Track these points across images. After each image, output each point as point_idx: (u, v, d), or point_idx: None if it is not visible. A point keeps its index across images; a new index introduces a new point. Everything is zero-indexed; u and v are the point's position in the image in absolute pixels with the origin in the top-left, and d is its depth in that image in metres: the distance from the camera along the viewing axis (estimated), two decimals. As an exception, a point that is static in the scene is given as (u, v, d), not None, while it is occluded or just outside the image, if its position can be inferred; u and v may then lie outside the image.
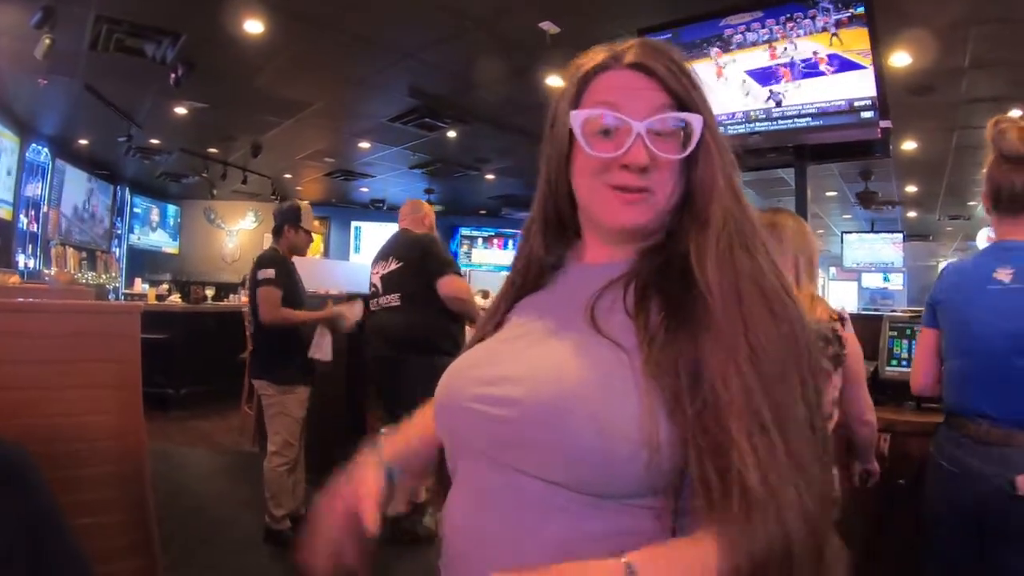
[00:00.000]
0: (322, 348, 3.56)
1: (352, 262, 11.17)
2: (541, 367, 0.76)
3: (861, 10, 3.32)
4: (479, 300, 4.28)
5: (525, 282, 0.93)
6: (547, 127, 0.89)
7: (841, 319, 2.00)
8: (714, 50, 3.82)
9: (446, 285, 3.36)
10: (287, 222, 3.58)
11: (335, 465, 0.94)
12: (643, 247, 0.85)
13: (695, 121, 0.78)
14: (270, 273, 3.39)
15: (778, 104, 3.61)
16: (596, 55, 0.84)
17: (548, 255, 0.93)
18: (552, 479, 0.71)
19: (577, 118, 0.81)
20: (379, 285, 3.57)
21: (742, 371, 0.68)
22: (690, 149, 0.79)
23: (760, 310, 0.73)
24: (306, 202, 3.82)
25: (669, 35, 3.98)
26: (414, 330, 3.41)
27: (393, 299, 3.49)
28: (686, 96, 0.79)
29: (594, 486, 0.70)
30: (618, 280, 0.82)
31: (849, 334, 1.99)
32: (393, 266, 3.53)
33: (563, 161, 0.86)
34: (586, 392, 0.71)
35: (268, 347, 3.50)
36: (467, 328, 3.54)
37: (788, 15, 3.55)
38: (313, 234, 3.75)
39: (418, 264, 3.44)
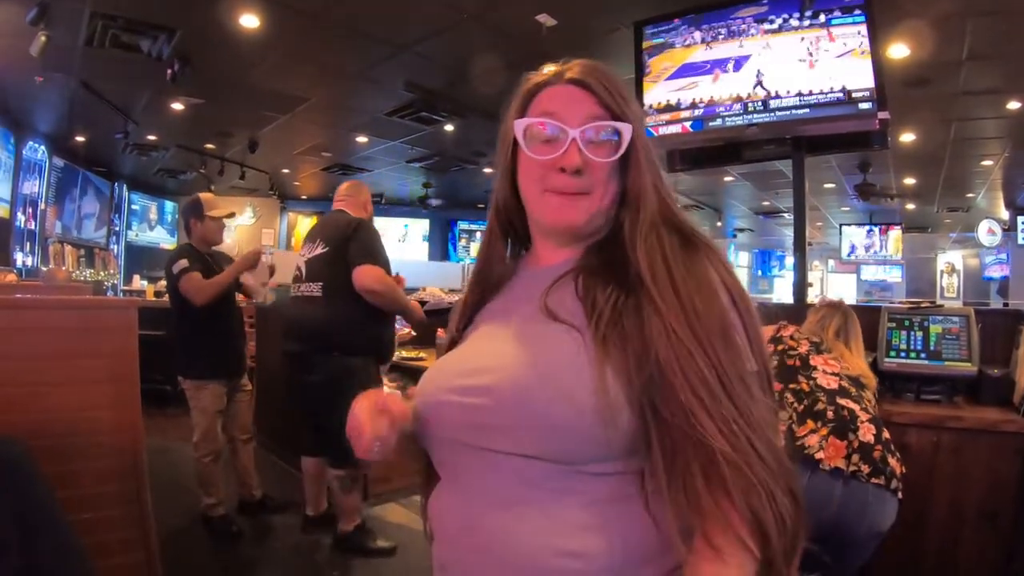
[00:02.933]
0: (252, 287, 3.66)
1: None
2: (508, 356, 0.85)
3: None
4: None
5: (485, 286, 1.02)
6: (498, 142, 0.98)
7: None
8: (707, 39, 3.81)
9: (360, 275, 3.01)
10: (191, 216, 3.57)
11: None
12: (588, 244, 0.93)
13: (625, 130, 0.88)
14: (183, 263, 3.38)
15: (759, 84, 3.62)
16: (541, 75, 0.95)
17: (504, 262, 1.03)
18: (528, 453, 0.79)
19: (520, 125, 0.91)
20: (303, 269, 3.25)
21: (680, 336, 0.76)
22: (620, 154, 0.88)
23: (688, 275, 0.81)
24: (207, 193, 3.79)
25: (664, 26, 3.98)
26: (330, 325, 3.11)
27: (315, 288, 3.17)
28: (617, 109, 0.89)
29: (566, 455, 0.79)
30: (567, 274, 0.90)
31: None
32: (319, 250, 3.19)
33: (509, 169, 0.96)
34: (549, 371, 0.79)
35: (180, 344, 3.50)
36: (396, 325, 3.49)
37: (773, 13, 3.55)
38: (223, 219, 3.68)
39: (343, 250, 3.10)
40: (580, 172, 0.87)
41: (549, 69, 0.95)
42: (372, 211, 3.46)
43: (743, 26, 3.71)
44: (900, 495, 2.09)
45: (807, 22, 3.49)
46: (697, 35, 3.87)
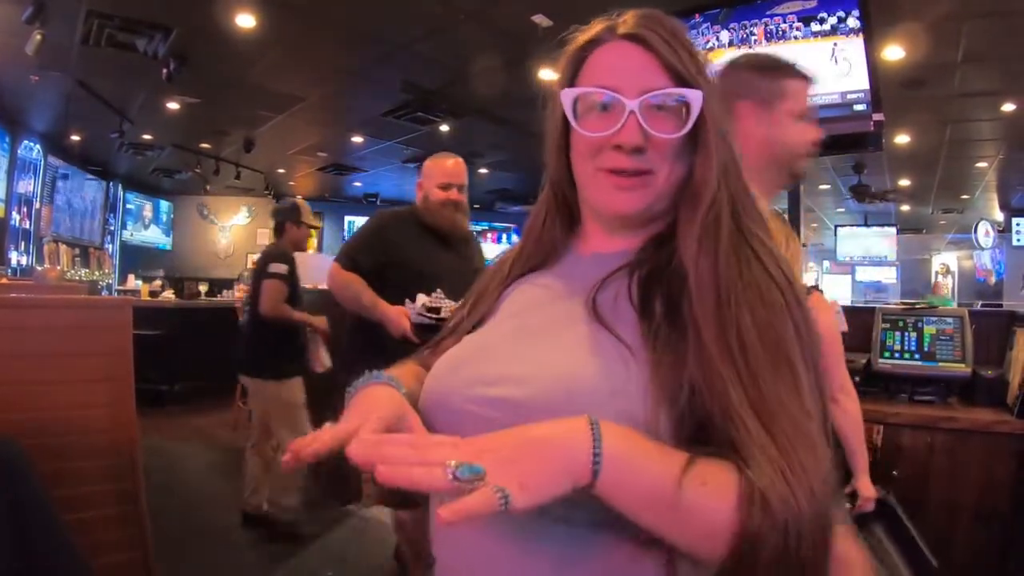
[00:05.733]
0: (320, 359, 3.56)
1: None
2: (545, 366, 0.72)
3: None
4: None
5: (524, 259, 0.90)
6: (547, 112, 0.85)
7: (809, 290, 1.96)
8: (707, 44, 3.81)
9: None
10: (288, 219, 3.61)
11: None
12: (650, 234, 0.80)
13: (694, 97, 0.73)
14: (282, 268, 3.41)
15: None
16: (591, 28, 0.81)
17: (553, 238, 0.89)
18: None
19: (568, 96, 0.77)
20: None
21: (726, 370, 0.65)
22: (688, 127, 0.73)
23: (745, 292, 0.69)
24: (301, 199, 3.84)
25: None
26: None
27: None
28: (684, 70, 0.74)
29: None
30: (622, 269, 0.78)
31: (817, 304, 1.86)
32: None
33: (560, 144, 0.82)
34: (595, 396, 0.67)
35: (263, 343, 3.43)
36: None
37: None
38: (312, 228, 3.75)
39: None
40: (641, 150, 0.73)
41: (598, 22, 0.80)
42: (434, 191, 2.56)
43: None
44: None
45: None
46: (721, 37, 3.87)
